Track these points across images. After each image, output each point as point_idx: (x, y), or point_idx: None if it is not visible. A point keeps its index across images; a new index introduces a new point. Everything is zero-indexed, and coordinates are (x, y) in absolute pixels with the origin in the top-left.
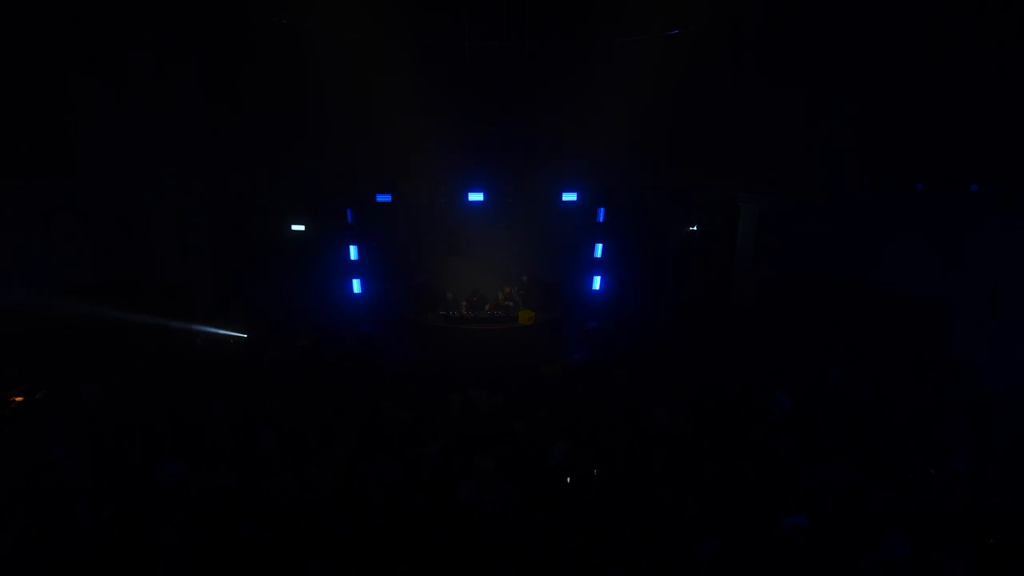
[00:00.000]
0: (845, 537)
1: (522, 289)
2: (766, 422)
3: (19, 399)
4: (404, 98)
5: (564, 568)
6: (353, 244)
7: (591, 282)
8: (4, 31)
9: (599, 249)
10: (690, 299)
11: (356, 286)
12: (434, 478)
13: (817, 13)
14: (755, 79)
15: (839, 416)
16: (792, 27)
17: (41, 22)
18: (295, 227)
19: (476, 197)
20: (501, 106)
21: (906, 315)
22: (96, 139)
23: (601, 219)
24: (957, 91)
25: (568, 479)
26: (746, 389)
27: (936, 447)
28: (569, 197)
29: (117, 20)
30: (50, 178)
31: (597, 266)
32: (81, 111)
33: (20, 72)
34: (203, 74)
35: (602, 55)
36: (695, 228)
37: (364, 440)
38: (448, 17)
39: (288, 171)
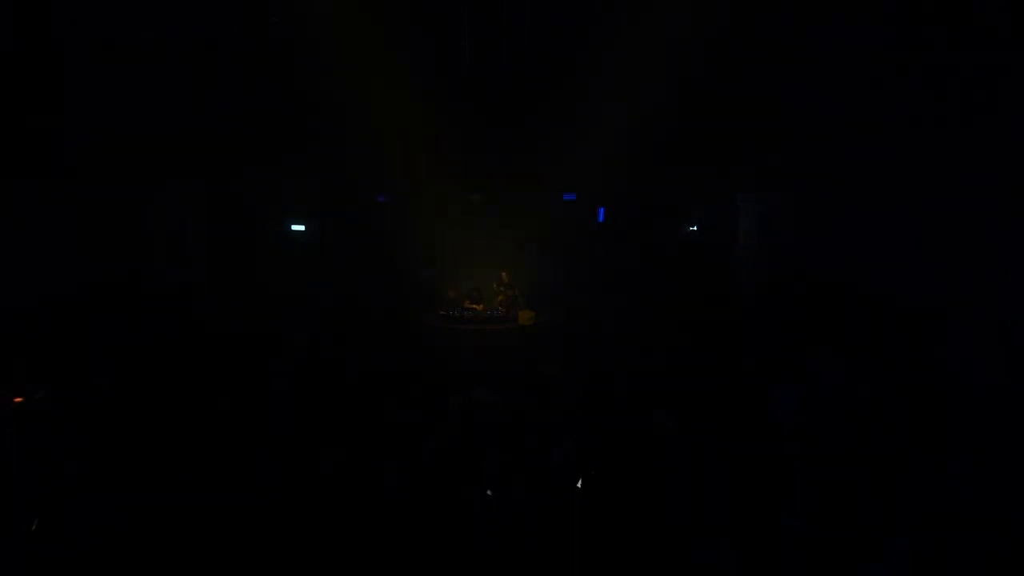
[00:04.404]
0: (846, 538)
1: (515, 287)
2: (766, 422)
3: (19, 399)
4: (404, 97)
5: (565, 569)
6: (353, 244)
7: (591, 282)
8: (3, 29)
9: (599, 249)
10: (690, 299)
11: (355, 286)
12: (436, 479)
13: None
14: (755, 78)
15: (839, 417)
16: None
17: (40, 21)
18: (295, 227)
19: (476, 197)
20: (502, 105)
21: (905, 316)
22: (95, 139)
23: (601, 219)
24: (956, 90)
25: (572, 480)
26: (746, 389)
27: (932, 448)
28: (569, 197)
29: (116, 19)
30: (49, 178)
31: (597, 266)
32: (80, 110)
33: (18, 71)
34: (202, 74)
35: (603, 54)
36: (695, 228)
37: (365, 441)
38: (448, 16)
39: (288, 171)
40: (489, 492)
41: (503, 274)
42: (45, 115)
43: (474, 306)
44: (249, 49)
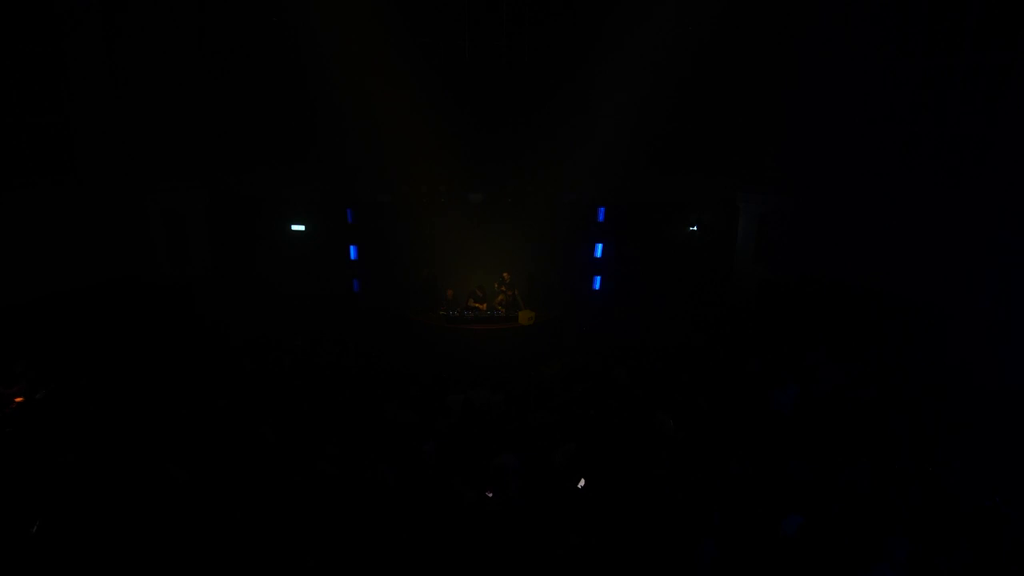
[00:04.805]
0: (847, 538)
1: (515, 288)
2: (765, 422)
3: (19, 399)
4: (404, 97)
5: (566, 569)
6: (353, 244)
7: (591, 282)
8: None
9: (599, 249)
10: (689, 299)
11: (355, 286)
12: (435, 479)
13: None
14: (755, 79)
15: (838, 417)
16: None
17: (40, 21)
18: (295, 227)
19: (476, 197)
20: (501, 105)
21: (904, 316)
22: (95, 139)
23: (601, 219)
24: (955, 91)
25: (572, 480)
26: (745, 389)
27: (935, 447)
28: (569, 197)
29: (116, 18)
30: (49, 178)
31: (597, 266)
32: (80, 111)
33: (18, 71)
34: (203, 74)
35: (602, 54)
36: (695, 228)
37: (365, 442)
38: (447, 16)
39: (288, 171)
40: (489, 492)
41: (505, 275)
42: (45, 115)
43: (477, 305)
44: (250, 49)
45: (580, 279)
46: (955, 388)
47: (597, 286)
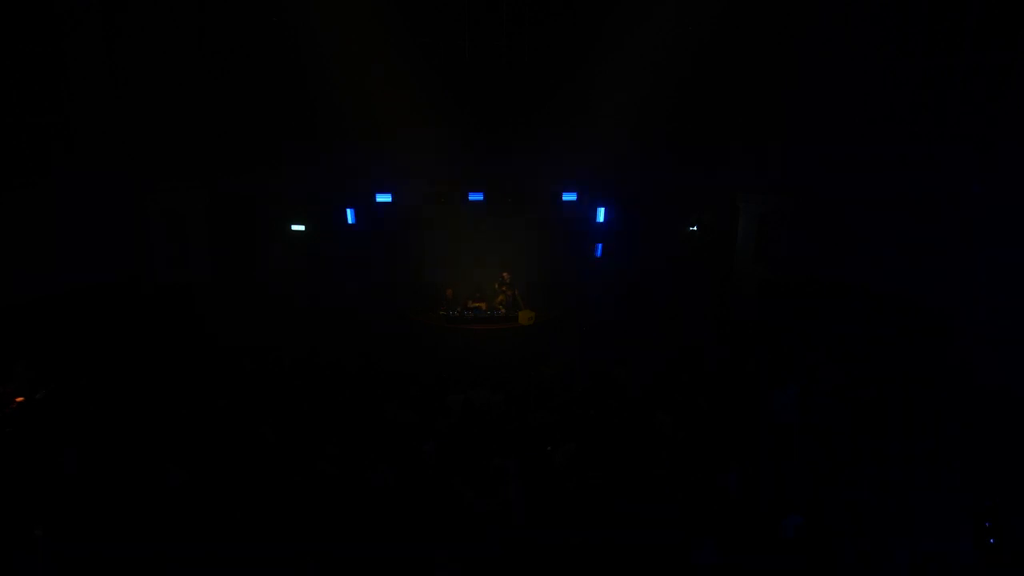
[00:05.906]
0: (846, 538)
1: (516, 288)
2: (765, 422)
3: (19, 399)
4: (404, 97)
5: (565, 569)
6: (353, 244)
7: (591, 282)
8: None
9: (599, 249)
10: (689, 299)
11: (355, 286)
12: (435, 479)
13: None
14: (754, 78)
15: (839, 416)
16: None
17: (40, 20)
18: (295, 227)
19: (476, 197)
20: (501, 105)
21: (906, 317)
22: (95, 139)
23: (601, 219)
24: (955, 91)
25: (572, 480)
26: (745, 389)
27: (935, 449)
28: (569, 197)
29: (116, 18)
30: (49, 178)
31: (597, 266)
32: (80, 111)
33: (18, 71)
34: (203, 74)
35: (602, 54)
36: (695, 228)
37: (365, 442)
38: (447, 15)
39: (289, 171)
40: (488, 492)
41: (505, 275)
42: (45, 115)
43: (478, 304)
44: (250, 49)
45: (580, 279)
46: (955, 388)
47: (597, 286)
